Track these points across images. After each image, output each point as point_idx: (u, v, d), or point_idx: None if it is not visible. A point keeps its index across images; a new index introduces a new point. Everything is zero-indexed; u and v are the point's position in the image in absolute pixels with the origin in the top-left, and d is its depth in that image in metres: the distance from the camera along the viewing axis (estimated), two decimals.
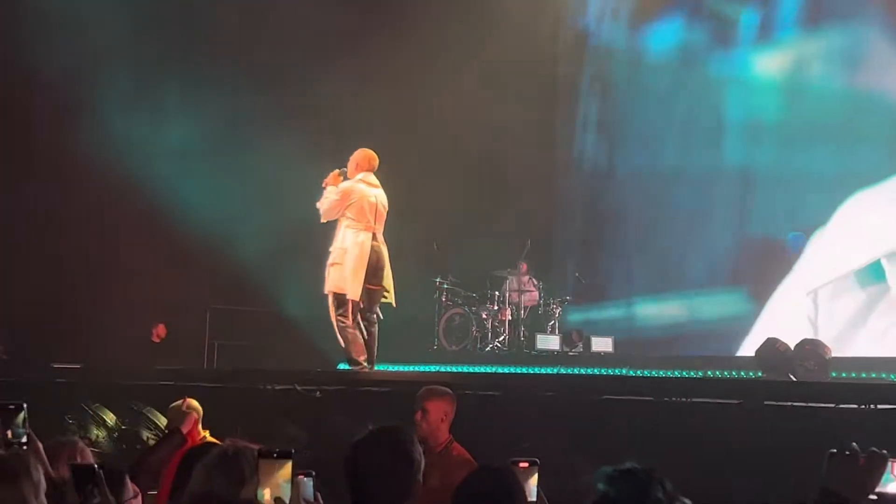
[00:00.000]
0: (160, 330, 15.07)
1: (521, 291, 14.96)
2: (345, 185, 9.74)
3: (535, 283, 15.16)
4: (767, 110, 14.81)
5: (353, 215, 9.66)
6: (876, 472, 2.66)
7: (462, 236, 15.20)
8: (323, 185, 9.88)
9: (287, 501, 2.90)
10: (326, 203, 9.71)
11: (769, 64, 15.01)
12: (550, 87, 17.18)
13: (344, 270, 9.62)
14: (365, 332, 9.82)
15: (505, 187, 15.77)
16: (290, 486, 2.93)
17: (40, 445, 4.04)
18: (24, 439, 3.98)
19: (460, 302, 15.10)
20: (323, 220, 9.80)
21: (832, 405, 6.08)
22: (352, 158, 9.86)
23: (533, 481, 3.73)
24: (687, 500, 2.12)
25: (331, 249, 9.80)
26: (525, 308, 15.01)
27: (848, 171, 13.58)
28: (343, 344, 9.75)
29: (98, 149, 14.69)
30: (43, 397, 9.67)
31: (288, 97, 14.95)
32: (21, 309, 14.61)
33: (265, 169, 14.48)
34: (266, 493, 2.89)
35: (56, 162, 15.36)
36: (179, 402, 6.96)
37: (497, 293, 14.82)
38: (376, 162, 9.87)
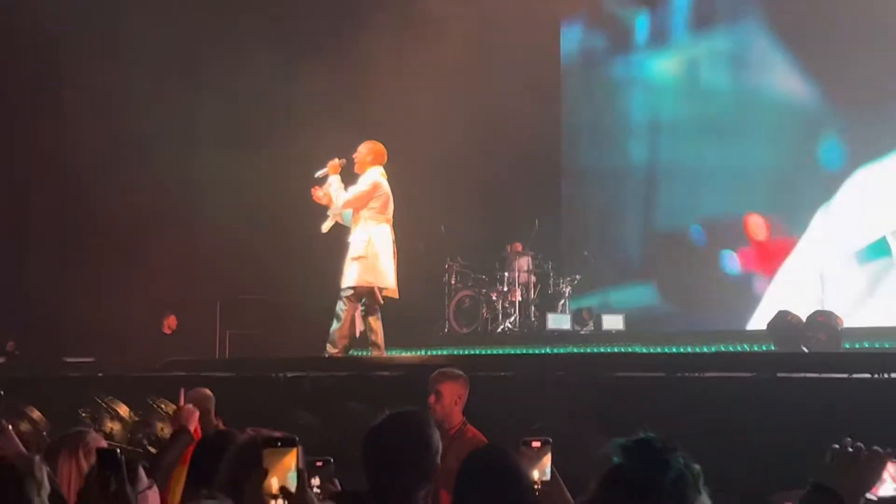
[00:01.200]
0: (171, 321, 15.10)
1: (528, 272, 14.94)
2: (373, 178, 9.89)
3: (536, 262, 15.09)
4: (665, 109, 15.82)
5: (378, 207, 9.86)
6: (875, 471, 2.55)
7: (470, 218, 15.17)
8: (320, 174, 9.97)
9: (293, 490, 2.86)
10: (353, 194, 9.83)
11: (664, 66, 15.92)
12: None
13: (373, 264, 9.74)
14: (362, 322, 9.91)
15: (512, 166, 15.70)
16: (296, 474, 2.88)
17: (11, 430, 4.06)
18: None
19: (470, 284, 15.08)
20: (344, 209, 9.87)
21: (845, 375, 6.06)
22: (365, 150, 9.98)
23: (546, 460, 3.72)
24: (697, 466, 2.08)
25: (350, 241, 9.87)
26: (535, 287, 14.99)
27: (737, 163, 14.54)
28: (334, 324, 9.83)
29: (106, 140, 14.73)
30: (56, 392, 9.73)
31: (297, 87, 14.92)
32: (32, 304, 14.66)
33: (276, 157, 14.47)
34: (273, 483, 2.84)
35: (66, 154, 15.40)
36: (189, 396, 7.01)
37: (506, 274, 14.80)
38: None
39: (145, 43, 14.55)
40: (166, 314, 15.01)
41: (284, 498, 2.80)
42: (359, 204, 9.84)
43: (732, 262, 14.79)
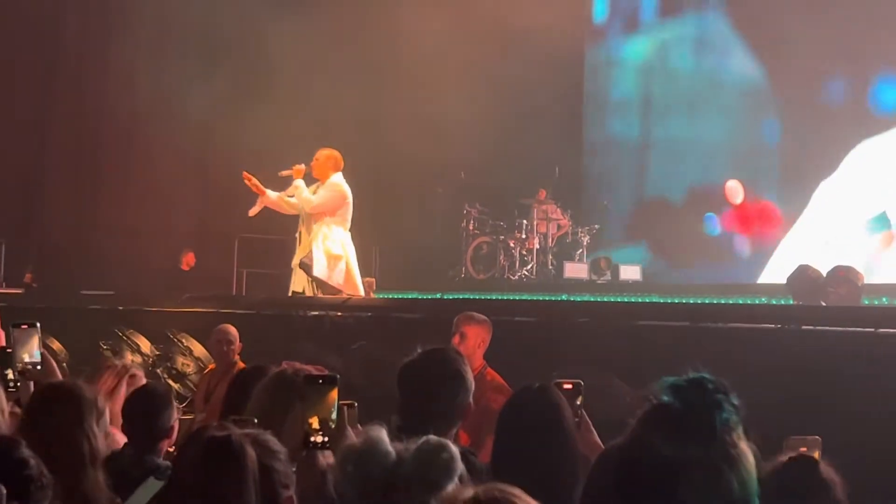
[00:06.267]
0: (189, 258, 15.11)
1: (548, 220, 14.88)
2: (342, 185, 9.96)
3: (562, 210, 15.07)
4: (634, 88, 16.81)
5: (343, 214, 9.99)
6: None
7: (490, 164, 15.10)
8: (284, 174, 10.05)
9: (332, 427, 2.87)
10: (325, 199, 9.87)
11: (638, 49, 16.86)
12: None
13: (345, 268, 9.90)
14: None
15: (534, 114, 15.59)
16: (335, 411, 2.89)
17: (55, 365, 4.07)
18: (39, 359, 4.02)
19: (488, 230, 15.05)
20: (312, 212, 9.91)
21: (871, 329, 6.02)
22: (324, 157, 10.00)
23: (578, 402, 3.71)
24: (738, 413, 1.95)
25: (323, 234, 9.91)
26: (553, 237, 14.95)
27: (700, 138, 15.60)
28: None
29: (127, 75, 14.65)
30: (74, 324, 9.76)
31: (326, 25, 14.82)
32: (50, 236, 14.69)
33: (298, 95, 14.39)
34: (314, 420, 2.86)
35: (85, 87, 15.34)
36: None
37: (525, 221, 14.76)
38: None
39: None
40: (184, 251, 15.01)
41: (323, 434, 2.81)
42: (323, 208, 9.91)
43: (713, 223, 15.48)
